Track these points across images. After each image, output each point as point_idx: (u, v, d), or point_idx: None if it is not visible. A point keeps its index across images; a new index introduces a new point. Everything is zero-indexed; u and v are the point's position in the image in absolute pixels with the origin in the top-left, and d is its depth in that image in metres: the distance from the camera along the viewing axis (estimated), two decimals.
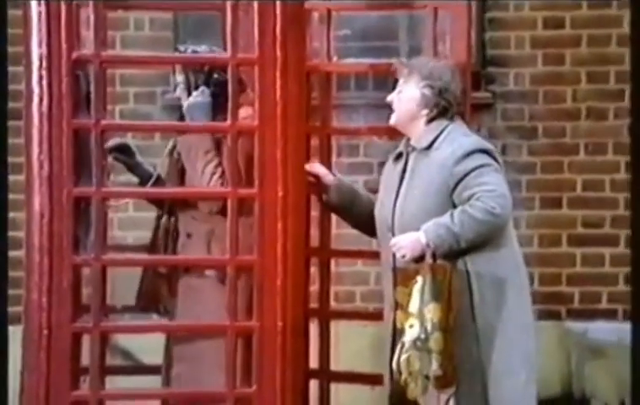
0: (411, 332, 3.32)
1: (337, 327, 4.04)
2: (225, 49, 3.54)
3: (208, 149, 3.63)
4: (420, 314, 3.32)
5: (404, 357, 3.32)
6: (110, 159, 3.68)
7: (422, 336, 3.31)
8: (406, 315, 3.35)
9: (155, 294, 3.77)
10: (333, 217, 3.91)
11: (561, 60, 5.78)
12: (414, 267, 3.39)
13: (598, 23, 5.59)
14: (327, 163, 3.94)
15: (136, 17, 5.75)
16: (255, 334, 3.46)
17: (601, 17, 5.64)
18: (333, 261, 4.06)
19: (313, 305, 3.98)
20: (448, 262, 3.39)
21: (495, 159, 3.53)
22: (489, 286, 3.45)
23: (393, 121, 3.63)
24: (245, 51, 3.48)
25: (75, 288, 3.45)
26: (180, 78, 3.73)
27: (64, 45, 3.38)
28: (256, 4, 3.40)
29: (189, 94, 3.70)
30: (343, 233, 3.94)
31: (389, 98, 3.63)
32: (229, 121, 3.46)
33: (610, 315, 5.66)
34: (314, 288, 3.96)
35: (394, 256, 3.49)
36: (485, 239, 3.43)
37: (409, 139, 3.62)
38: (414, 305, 3.33)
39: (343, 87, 5.05)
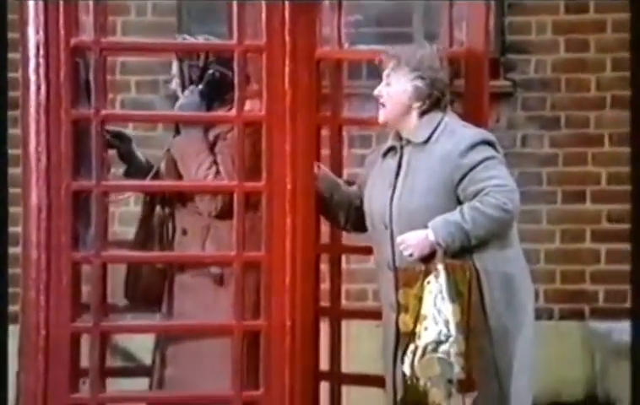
0: (427, 335, 3.31)
1: (348, 327, 4.04)
2: (230, 35, 3.54)
3: (199, 151, 3.63)
4: (436, 316, 3.31)
5: (422, 361, 3.31)
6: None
7: (442, 338, 3.31)
8: (414, 317, 3.34)
9: (151, 290, 3.77)
10: None
11: (584, 46, 5.77)
12: (420, 267, 3.38)
13: (623, 7, 5.57)
14: (338, 155, 3.95)
15: (138, 2, 5.76)
16: (262, 334, 3.46)
17: (626, 1, 5.63)
18: (344, 258, 4.06)
19: (323, 303, 3.99)
20: (458, 260, 3.39)
21: (498, 149, 3.53)
22: (498, 284, 3.45)
23: (382, 117, 3.59)
24: (252, 38, 3.48)
25: (74, 287, 3.46)
26: (174, 71, 3.74)
27: (62, 32, 3.38)
28: None
29: (183, 88, 3.71)
30: None
31: (377, 91, 3.59)
32: (234, 112, 3.47)
33: None
34: (324, 286, 3.96)
35: (394, 254, 3.48)
36: (494, 236, 3.43)
37: (398, 133, 3.60)
38: (427, 307, 3.32)
39: (354, 75, 5.05)
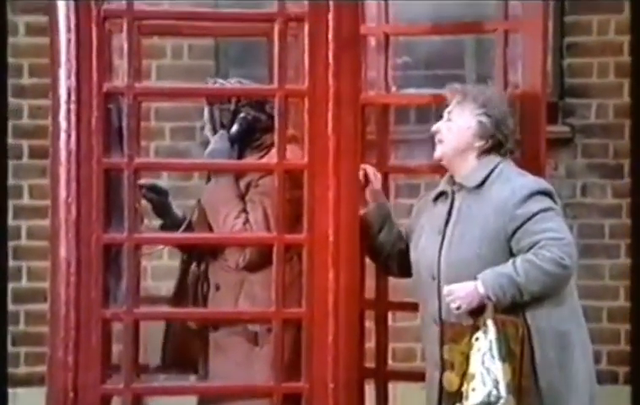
0: (475, 396, 3.29)
1: (395, 389, 4.03)
2: (270, 79, 3.57)
3: (228, 199, 3.66)
4: (484, 375, 3.29)
5: None
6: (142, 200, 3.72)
7: (491, 400, 3.29)
8: (460, 375, 3.31)
9: (186, 352, 3.79)
10: None
11: None
12: (468, 322, 3.36)
13: None
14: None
15: (174, 44, 5.83)
16: (304, 397, 3.46)
17: None
18: (390, 315, 4.06)
19: (369, 364, 3.97)
20: (509, 316, 3.37)
21: (556, 201, 3.51)
22: (551, 344, 3.42)
23: (439, 152, 3.60)
24: (293, 81, 3.51)
25: (105, 346, 3.48)
26: (205, 115, 3.78)
27: (95, 76, 3.42)
28: (306, 27, 3.43)
29: (215, 133, 3.75)
30: (401, 283, 3.93)
31: (435, 127, 3.61)
32: (275, 159, 3.49)
33: None
34: (369, 345, 3.96)
35: (440, 308, 3.47)
36: (548, 291, 3.41)
37: (452, 177, 3.60)
38: (475, 366, 3.30)
39: (402, 120, 5.07)
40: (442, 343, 3.45)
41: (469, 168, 3.55)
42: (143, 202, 3.75)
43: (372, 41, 4.04)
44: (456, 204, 3.56)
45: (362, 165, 3.71)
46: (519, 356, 3.32)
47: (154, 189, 3.83)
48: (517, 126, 3.70)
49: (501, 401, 3.28)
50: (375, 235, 3.72)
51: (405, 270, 3.70)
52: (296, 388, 3.47)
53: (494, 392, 3.28)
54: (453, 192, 3.58)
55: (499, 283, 3.37)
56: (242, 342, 3.66)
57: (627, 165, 5.77)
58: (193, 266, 3.80)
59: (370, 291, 3.95)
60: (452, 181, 3.60)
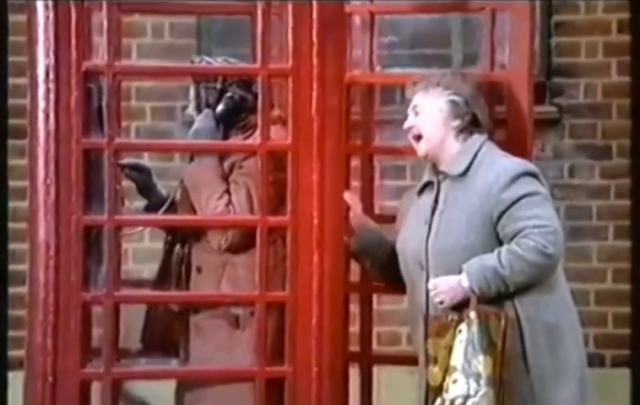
0: (455, 389, 3.29)
1: (380, 373, 4.04)
2: (253, 58, 3.57)
3: (211, 180, 3.66)
4: (465, 368, 3.30)
5: None
6: (123, 180, 3.71)
7: (471, 393, 3.29)
8: (443, 369, 3.32)
9: (167, 335, 3.79)
10: None
11: (638, 69, 5.75)
12: (452, 316, 3.37)
13: None
14: (369, 187, 3.96)
15: (154, 22, 5.81)
16: (287, 381, 3.47)
17: None
18: (375, 298, 4.07)
19: (353, 347, 3.99)
20: (496, 308, 3.37)
21: (542, 183, 3.51)
22: (541, 332, 3.43)
23: (422, 149, 3.56)
24: (277, 60, 3.50)
25: (84, 329, 3.47)
26: (191, 94, 3.77)
27: (74, 55, 3.41)
28: (290, 6, 3.42)
29: (199, 112, 3.74)
30: None
31: (407, 125, 3.58)
32: (258, 140, 3.49)
33: None
34: (354, 328, 3.97)
35: (428, 300, 3.48)
36: (535, 281, 3.42)
37: (434, 166, 3.59)
38: (457, 358, 3.31)
39: (388, 100, 5.06)
40: (426, 337, 3.45)
41: (453, 152, 3.55)
42: (126, 182, 3.75)
43: (357, 20, 4.03)
44: (442, 193, 3.55)
45: (344, 194, 3.67)
46: (500, 348, 3.33)
47: (136, 168, 3.82)
48: (503, 103, 3.69)
49: (480, 393, 3.29)
50: (373, 262, 3.72)
51: None
52: (280, 372, 3.48)
53: (474, 385, 3.29)
54: (439, 182, 3.58)
55: (483, 275, 3.38)
56: (223, 326, 3.67)
57: (615, 146, 5.79)
58: (177, 247, 3.80)
59: (355, 274, 3.96)
60: (436, 171, 3.60)
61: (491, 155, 3.54)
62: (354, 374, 3.93)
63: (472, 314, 3.34)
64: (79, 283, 3.43)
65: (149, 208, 3.85)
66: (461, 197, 3.50)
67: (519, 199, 3.43)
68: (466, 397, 3.29)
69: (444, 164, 3.56)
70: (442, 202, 3.54)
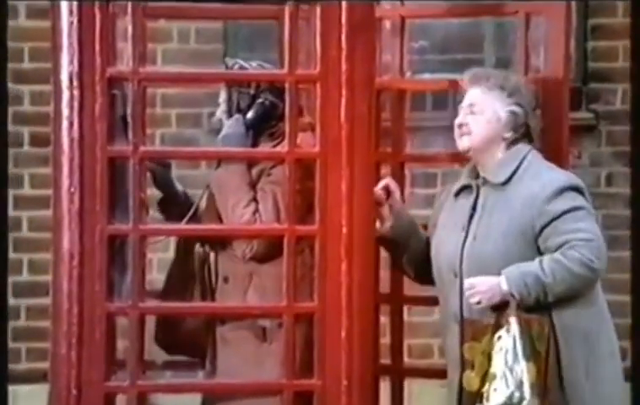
0: (497, 397, 3.29)
1: (411, 386, 4.03)
2: (281, 63, 3.58)
3: (238, 187, 3.67)
4: (507, 375, 3.29)
5: None
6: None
7: (514, 401, 3.28)
8: (480, 375, 3.31)
9: (196, 343, 3.79)
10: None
11: None
12: (489, 320, 3.36)
13: None
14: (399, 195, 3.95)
15: (180, 27, 5.84)
16: (316, 394, 3.46)
17: None
18: (406, 310, 4.06)
19: (384, 360, 3.98)
20: (534, 315, 3.36)
21: (586, 198, 3.50)
22: (577, 342, 3.41)
23: (467, 143, 3.56)
24: (305, 66, 3.51)
25: (109, 341, 3.48)
26: (222, 97, 3.78)
27: (98, 61, 3.42)
28: (318, 9, 3.43)
29: (230, 116, 3.75)
30: None
31: (459, 120, 3.56)
32: (286, 148, 3.49)
33: None
34: (385, 340, 3.96)
35: (462, 306, 3.46)
36: (575, 293, 3.40)
37: (474, 170, 3.58)
38: (498, 365, 3.30)
39: (418, 107, 5.07)
40: (462, 342, 3.44)
41: (497, 161, 3.53)
42: (151, 190, 3.76)
43: (387, 24, 4.04)
44: (480, 199, 3.54)
45: (384, 180, 3.68)
46: (544, 356, 3.32)
47: (157, 161, 3.83)
48: (538, 109, 3.69)
49: (525, 402, 3.28)
50: (402, 252, 3.71)
51: None
52: (308, 385, 3.48)
53: (517, 393, 3.28)
54: (478, 187, 3.56)
55: (524, 281, 3.36)
56: (250, 338, 3.67)
57: None
58: (197, 247, 3.80)
59: (384, 284, 3.96)
60: (475, 174, 3.58)
61: (536, 165, 3.52)
62: (384, 387, 3.93)
63: (512, 319, 3.33)
64: (104, 293, 3.44)
65: (163, 204, 3.85)
66: (501, 205, 3.49)
67: (565, 213, 3.42)
68: None
69: (486, 170, 3.54)
70: (481, 208, 3.53)
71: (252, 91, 3.76)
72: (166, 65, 5.67)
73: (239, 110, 3.76)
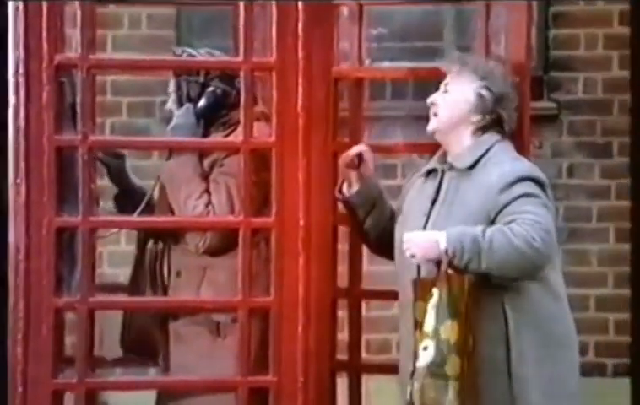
0: (425, 356, 3.31)
1: (369, 382, 4.04)
2: (235, 51, 3.56)
3: (190, 178, 3.65)
4: (435, 334, 3.31)
5: (417, 385, 3.31)
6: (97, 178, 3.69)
7: (437, 359, 3.31)
8: (422, 335, 3.34)
9: (148, 341, 3.78)
10: (365, 252, 3.91)
11: None
12: (431, 278, 3.38)
13: None
14: None
15: (131, 13, 5.81)
16: (271, 391, 3.46)
17: None
18: (364, 304, 4.06)
19: (341, 356, 3.98)
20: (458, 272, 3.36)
21: (546, 192, 3.50)
22: (528, 332, 3.42)
23: (433, 125, 3.58)
24: (260, 53, 3.50)
25: (57, 337, 3.46)
26: (171, 86, 3.77)
27: (45, 47, 3.40)
28: None
29: (180, 106, 3.74)
30: (376, 270, 3.94)
31: (431, 98, 3.58)
32: (241, 137, 3.48)
33: None
34: (342, 335, 3.96)
35: (419, 269, 3.47)
36: (515, 277, 3.40)
37: (444, 154, 3.60)
38: (429, 324, 3.33)
39: (377, 96, 5.07)
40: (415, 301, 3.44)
41: (464, 146, 3.54)
42: (101, 181, 3.74)
43: (345, 11, 4.03)
44: (444, 184, 3.55)
45: (359, 146, 3.69)
46: (464, 314, 3.33)
47: (110, 153, 3.81)
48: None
49: (448, 360, 3.28)
50: (364, 219, 3.71)
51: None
52: (263, 382, 3.48)
53: (444, 350, 3.29)
54: (443, 171, 3.57)
55: (461, 240, 3.36)
56: (204, 333, 3.66)
57: (616, 144, 5.80)
58: (150, 243, 3.79)
59: (342, 278, 3.96)
60: (443, 159, 3.59)
61: (501, 155, 3.52)
62: (342, 383, 3.93)
63: (442, 276, 3.34)
64: (51, 287, 3.42)
65: (118, 199, 3.84)
66: (462, 192, 3.50)
67: (517, 198, 3.43)
68: (434, 364, 3.29)
69: (452, 154, 3.56)
70: (444, 194, 3.54)
71: (201, 79, 3.74)
72: (117, 52, 5.63)
73: (189, 100, 3.75)
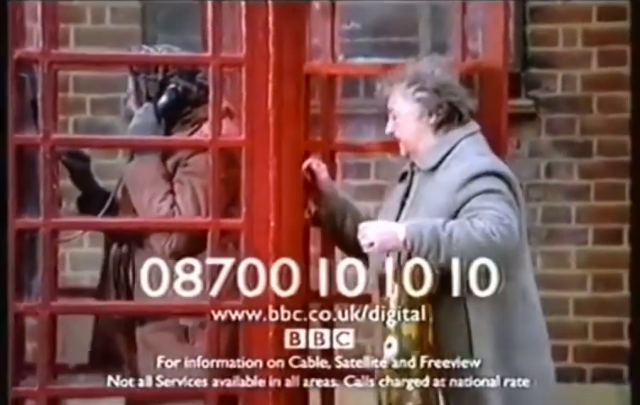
0: (388, 353, 3.33)
1: (343, 389, 4.03)
2: (203, 46, 3.55)
3: (153, 180, 3.65)
4: (397, 330, 3.33)
5: (382, 383, 3.33)
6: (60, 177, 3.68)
7: (400, 356, 3.32)
8: (385, 332, 3.36)
9: (111, 348, 3.77)
10: (338, 253, 3.91)
11: (620, 59, 5.80)
12: (393, 273, 3.39)
13: None
14: None
15: (94, 6, 5.78)
16: (241, 399, 3.46)
17: None
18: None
19: (314, 362, 3.98)
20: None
21: (511, 188, 3.51)
22: (493, 344, 3.43)
23: (403, 151, 3.61)
24: (229, 49, 3.49)
25: (17, 343, 3.45)
26: (130, 86, 3.76)
27: (5, 42, 3.38)
28: None
29: (139, 105, 3.73)
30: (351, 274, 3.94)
31: (388, 131, 3.60)
32: (209, 135, 3.47)
33: None
34: None
35: (399, 258, 3.47)
36: (469, 265, 3.41)
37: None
38: (391, 320, 3.34)
39: (350, 93, 5.07)
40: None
41: (429, 146, 3.56)
42: (64, 182, 3.72)
43: (317, 5, 4.03)
44: (413, 186, 3.58)
45: (307, 161, 3.69)
46: (425, 308, 3.34)
47: (75, 155, 3.79)
48: (475, 96, 3.70)
49: (411, 357, 3.30)
50: (335, 230, 3.72)
51: None
52: (233, 389, 3.47)
53: (406, 348, 3.30)
54: (412, 173, 3.59)
55: (420, 230, 3.38)
56: (171, 339, 3.65)
57: (596, 143, 5.83)
58: (114, 248, 3.77)
59: (315, 282, 3.95)
60: (413, 161, 3.61)
61: (467, 151, 3.53)
62: (314, 391, 3.93)
63: (400, 270, 3.36)
64: (11, 292, 3.41)
65: (82, 202, 3.82)
66: (427, 193, 3.52)
67: (478, 194, 3.44)
68: (396, 361, 3.31)
69: (418, 156, 3.57)
70: (412, 195, 3.57)
71: (159, 77, 3.73)
72: (79, 46, 5.61)
73: (148, 98, 3.73)
